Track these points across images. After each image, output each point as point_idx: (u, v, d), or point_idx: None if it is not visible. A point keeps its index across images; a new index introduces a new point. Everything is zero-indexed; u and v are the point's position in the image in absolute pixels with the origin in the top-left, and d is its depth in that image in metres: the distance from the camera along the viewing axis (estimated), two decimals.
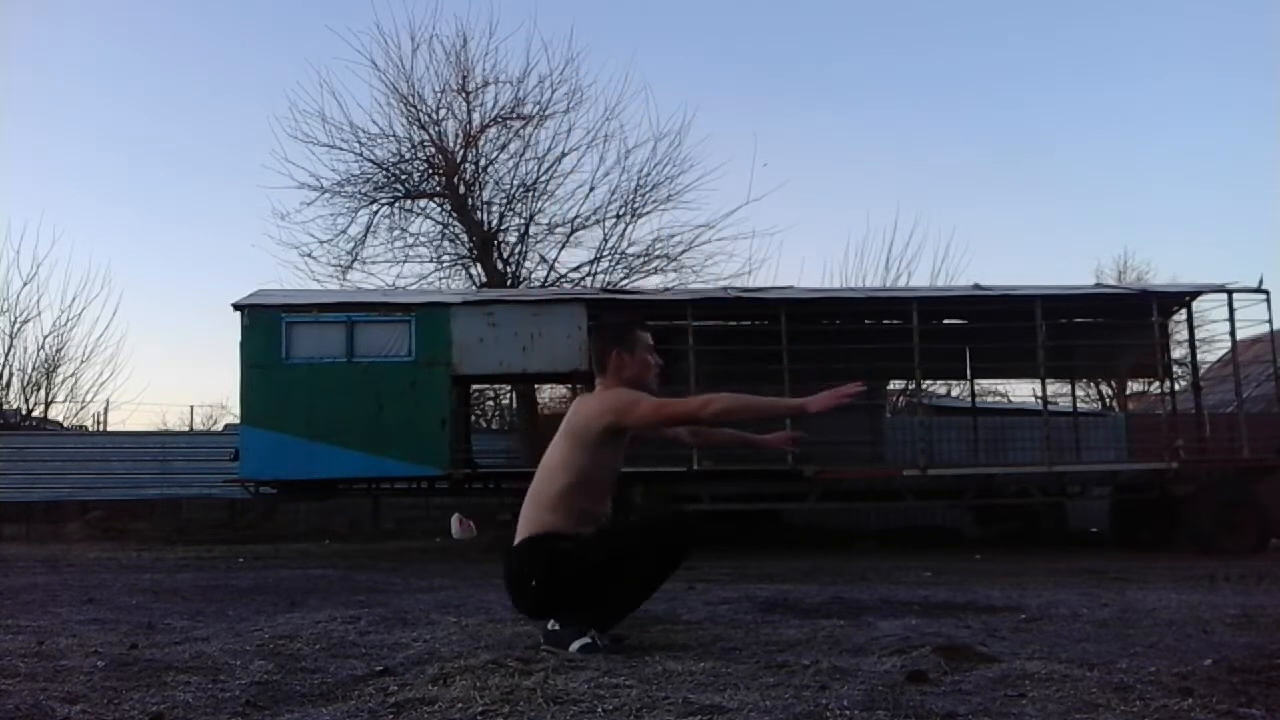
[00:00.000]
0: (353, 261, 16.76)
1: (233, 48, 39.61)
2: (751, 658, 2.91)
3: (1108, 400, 25.37)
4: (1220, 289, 11.27)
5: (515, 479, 12.51)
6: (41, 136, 40.21)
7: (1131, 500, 11.62)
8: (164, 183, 42.44)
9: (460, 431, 11.94)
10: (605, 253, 16.85)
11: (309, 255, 16.80)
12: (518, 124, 16.69)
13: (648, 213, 16.98)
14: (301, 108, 21.52)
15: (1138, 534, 11.58)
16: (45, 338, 22.53)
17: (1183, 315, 12.25)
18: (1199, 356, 13.20)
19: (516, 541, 3.19)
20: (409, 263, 17.41)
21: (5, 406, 22.19)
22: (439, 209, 17.06)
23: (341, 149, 16.58)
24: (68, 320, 22.70)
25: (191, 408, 51.81)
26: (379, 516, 16.20)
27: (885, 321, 12.80)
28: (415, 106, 16.61)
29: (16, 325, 22.02)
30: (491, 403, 20.62)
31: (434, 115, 16.63)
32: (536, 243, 17.09)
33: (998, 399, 20.42)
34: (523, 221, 16.95)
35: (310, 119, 18.04)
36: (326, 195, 16.62)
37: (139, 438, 17.86)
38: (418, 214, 17.10)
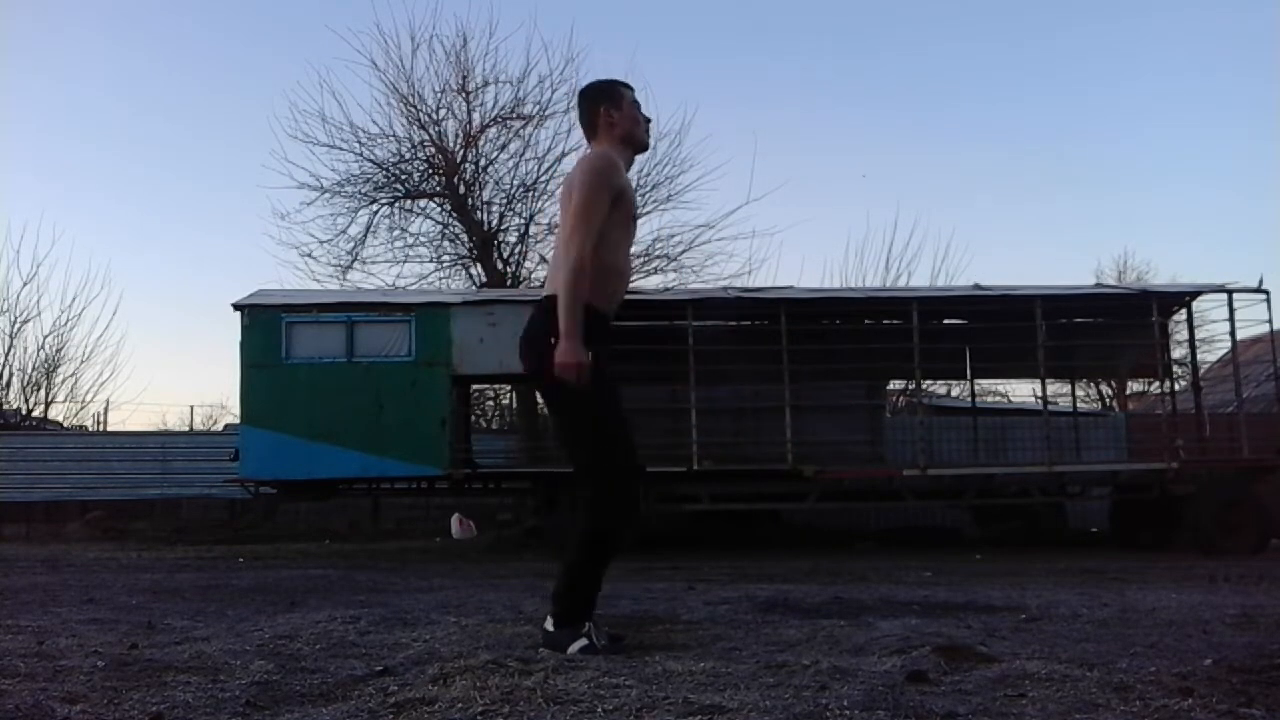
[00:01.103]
0: (353, 261, 16.78)
1: (233, 48, 39.64)
2: (751, 658, 2.91)
3: (1108, 400, 25.37)
4: (1220, 289, 11.27)
5: (515, 479, 12.53)
6: (41, 136, 40.23)
7: (1131, 500, 11.61)
8: (164, 182, 42.49)
9: (460, 431, 11.94)
10: None
11: (309, 255, 16.82)
12: (518, 124, 16.71)
13: (647, 213, 16.99)
14: (301, 108, 21.60)
15: (1138, 534, 11.57)
16: (45, 338, 22.57)
17: (1183, 315, 12.25)
18: (1199, 356, 13.22)
19: (546, 292, 3.18)
20: (409, 263, 17.44)
21: (5, 406, 22.20)
22: (439, 209, 17.07)
23: (341, 149, 16.60)
24: (68, 320, 22.74)
25: (191, 408, 51.92)
26: (379, 516, 16.21)
27: (885, 321, 12.80)
28: (415, 106, 16.62)
29: (16, 325, 22.06)
30: (491, 403, 20.63)
31: (434, 115, 16.65)
32: (536, 243, 17.11)
33: (998, 399, 20.43)
34: (523, 221, 16.97)
35: (310, 119, 18.10)
36: (326, 195, 16.64)
37: (139, 438, 17.86)
38: (418, 214, 17.12)
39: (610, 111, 3.31)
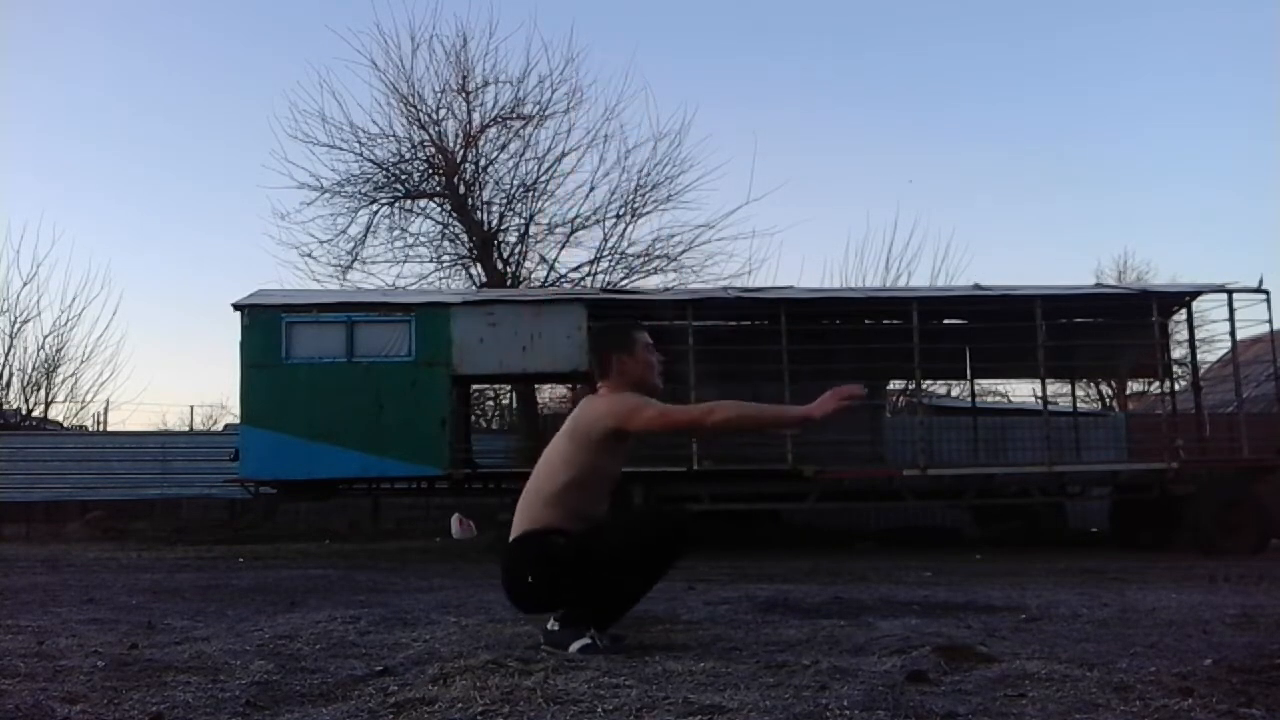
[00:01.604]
0: (353, 261, 16.78)
1: (233, 48, 39.65)
2: (751, 658, 2.91)
3: (1108, 400, 25.37)
4: (1220, 289, 11.27)
5: (515, 479, 12.51)
6: (41, 136, 40.24)
7: (1131, 500, 11.61)
8: (164, 182, 42.51)
9: (460, 431, 11.94)
10: (605, 253, 16.87)
11: (309, 255, 16.82)
12: (518, 124, 16.71)
13: (648, 213, 17.00)
14: (301, 108, 21.52)
15: (1138, 534, 11.57)
16: (45, 338, 22.55)
17: (1183, 315, 12.25)
18: (1199, 356, 13.22)
19: (512, 537, 3.19)
20: (409, 263, 17.43)
21: (5, 406, 22.19)
22: (439, 209, 17.07)
23: (341, 149, 16.60)
24: (68, 320, 22.73)
25: (191, 408, 51.89)
26: (379, 516, 16.20)
27: (885, 321, 12.80)
28: (415, 106, 16.62)
29: (16, 325, 22.05)
30: (491, 403, 20.63)
31: (434, 115, 16.65)
32: (536, 243, 17.11)
33: (998, 399, 20.42)
34: (523, 221, 16.97)
35: (310, 119, 18.06)
36: (326, 195, 16.64)
37: (139, 438, 17.86)
38: (418, 214, 17.12)
39: (623, 359, 3.29)
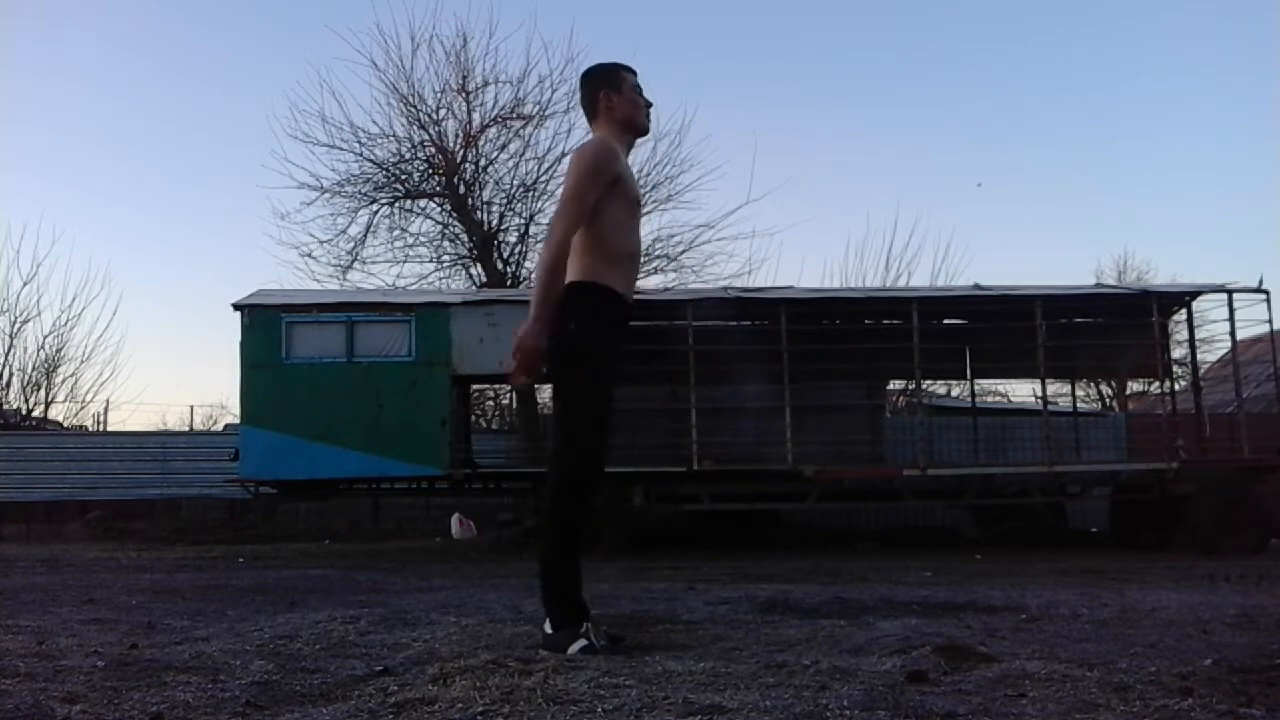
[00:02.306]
0: (353, 261, 16.80)
1: (233, 48, 39.64)
2: (751, 658, 2.91)
3: (1108, 400, 25.38)
4: (1220, 289, 11.28)
5: (515, 479, 12.53)
6: (41, 137, 40.24)
7: (1131, 500, 11.61)
8: (164, 182, 42.49)
9: (460, 431, 11.94)
10: None
11: (309, 255, 16.85)
12: (518, 124, 16.73)
13: (647, 213, 17.00)
14: (301, 108, 21.62)
15: (1138, 534, 11.57)
16: (45, 338, 22.59)
17: (1183, 315, 12.26)
18: (1199, 356, 13.22)
19: (567, 281, 3.19)
20: (409, 263, 17.47)
21: (5, 406, 22.20)
22: (439, 209, 17.09)
23: (341, 149, 16.63)
24: (68, 320, 22.76)
25: (191, 408, 51.83)
26: (379, 516, 16.21)
27: (885, 321, 12.80)
28: (415, 106, 16.64)
29: (16, 325, 22.07)
30: (491, 403, 20.65)
31: (434, 115, 16.67)
32: (536, 243, 17.09)
33: (998, 399, 20.44)
34: (523, 221, 16.99)
35: (310, 119, 18.12)
36: (326, 195, 16.67)
37: (139, 438, 17.86)
38: (418, 214, 17.14)
39: (610, 95, 3.32)
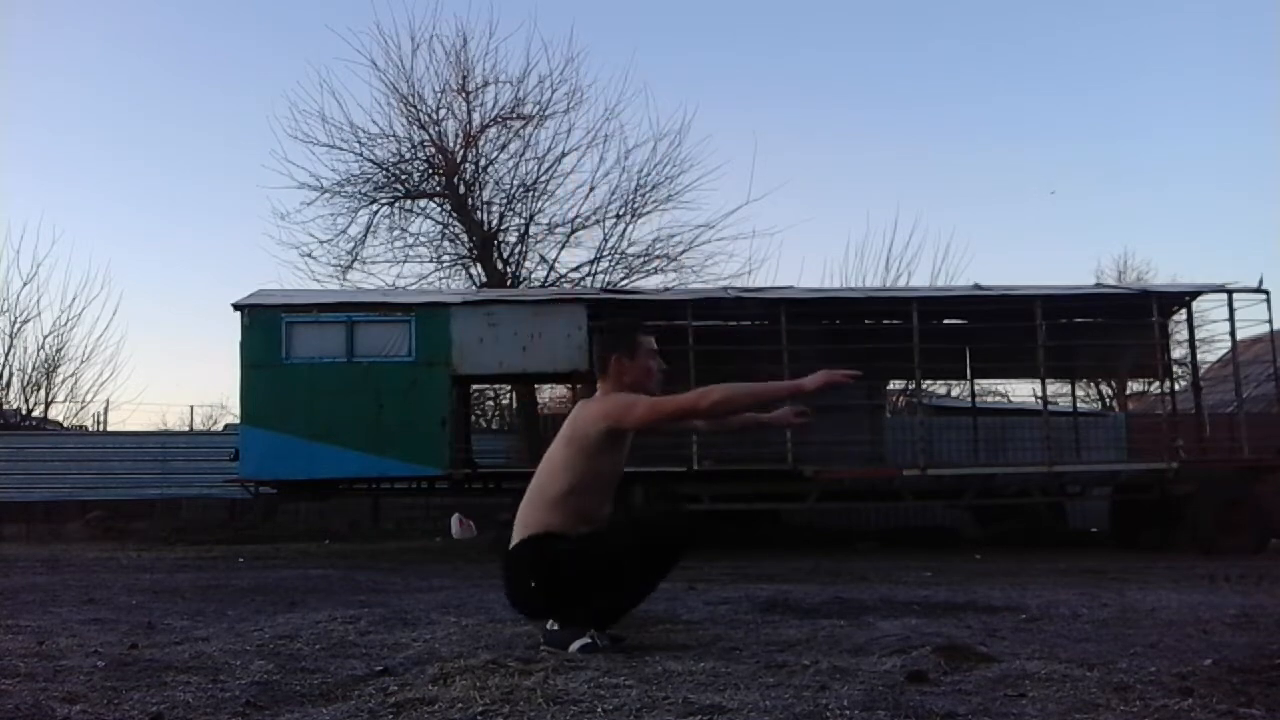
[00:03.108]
0: (353, 261, 16.78)
1: (233, 48, 39.64)
2: (751, 658, 2.91)
3: (1108, 400, 25.37)
4: (1220, 289, 11.27)
5: (515, 479, 12.51)
6: (41, 136, 40.23)
7: (1131, 500, 11.61)
8: (164, 182, 42.47)
9: (460, 431, 11.94)
10: (605, 253, 16.87)
11: (309, 255, 16.82)
12: (518, 124, 16.71)
13: (648, 213, 17.00)
14: (301, 108, 21.48)
15: (1138, 534, 11.57)
16: (45, 338, 22.54)
17: (1183, 315, 12.25)
18: (1199, 356, 13.22)
19: (514, 543, 3.19)
20: (409, 263, 17.42)
21: (5, 406, 22.19)
22: (439, 209, 17.07)
23: (341, 149, 16.60)
24: (68, 320, 22.72)
25: (191, 408, 51.80)
26: (379, 516, 16.20)
27: (885, 321, 12.80)
28: (415, 106, 16.62)
29: (16, 325, 22.04)
30: (491, 403, 20.64)
31: (434, 115, 16.65)
32: (536, 243, 17.11)
33: (998, 399, 20.43)
34: (523, 221, 16.97)
35: (310, 119, 18.06)
36: (326, 195, 16.64)
37: (139, 438, 17.85)
38: (418, 214, 17.12)
39: (623, 360, 3.30)
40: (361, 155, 16.53)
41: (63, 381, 22.92)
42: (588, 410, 3.22)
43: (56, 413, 23.31)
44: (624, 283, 16.21)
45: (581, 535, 3.12)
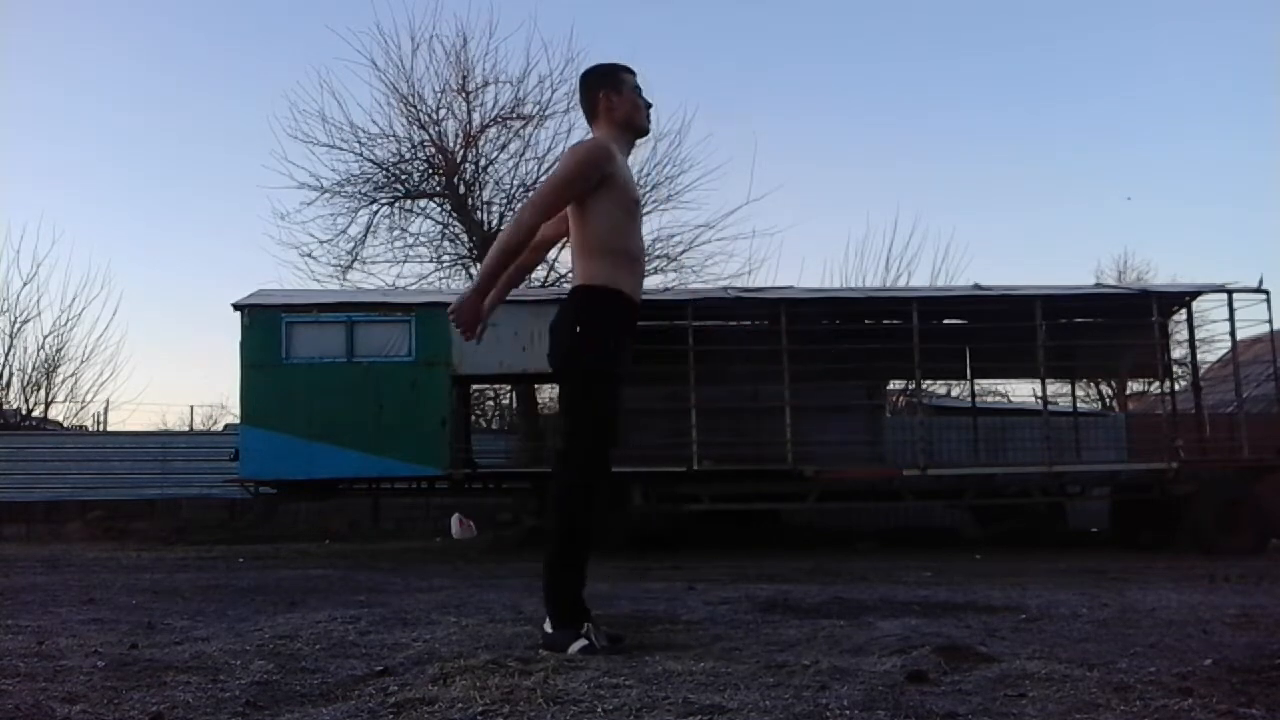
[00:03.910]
0: (353, 261, 16.80)
1: (233, 48, 39.64)
2: (751, 658, 2.91)
3: (1108, 400, 25.37)
4: (1220, 289, 11.27)
5: (515, 479, 12.53)
6: (41, 136, 40.24)
7: (1131, 500, 11.61)
8: (164, 182, 42.48)
9: (460, 431, 11.94)
10: None
11: (309, 255, 16.85)
12: (518, 124, 16.73)
13: (647, 213, 16.99)
14: (301, 108, 21.62)
15: (1138, 534, 11.57)
16: (45, 338, 22.57)
17: (1183, 315, 12.25)
18: (1199, 356, 13.21)
19: (572, 286, 3.26)
20: (409, 263, 17.46)
21: (5, 406, 22.19)
22: (439, 209, 17.08)
23: (341, 149, 16.62)
24: (68, 320, 22.75)
25: (191, 408, 51.80)
26: (379, 516, 16.21)
27: (885, 321, 12.80)
28: (415, 106, 16.64)
29: (16, 325, 22.06)
30: (491, 403, 20.65)
31: (434, 115, 16.66)
32: None
33: (998, 399, 20.43)
34: None
35: (310, 119, 18.12)
36: (326, 195, 16.66)
37: (139, 438, 17.86)
38: (418, 214, 17.14)
39: (610, 96, 3.33)
40: (361, 155, 16.56)
41: (63, 381, 22.96)
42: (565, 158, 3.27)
43: (56, 413, 23.36)
44: None
45: (619, 358, 3.22)
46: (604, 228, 3.21)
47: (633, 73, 3.41)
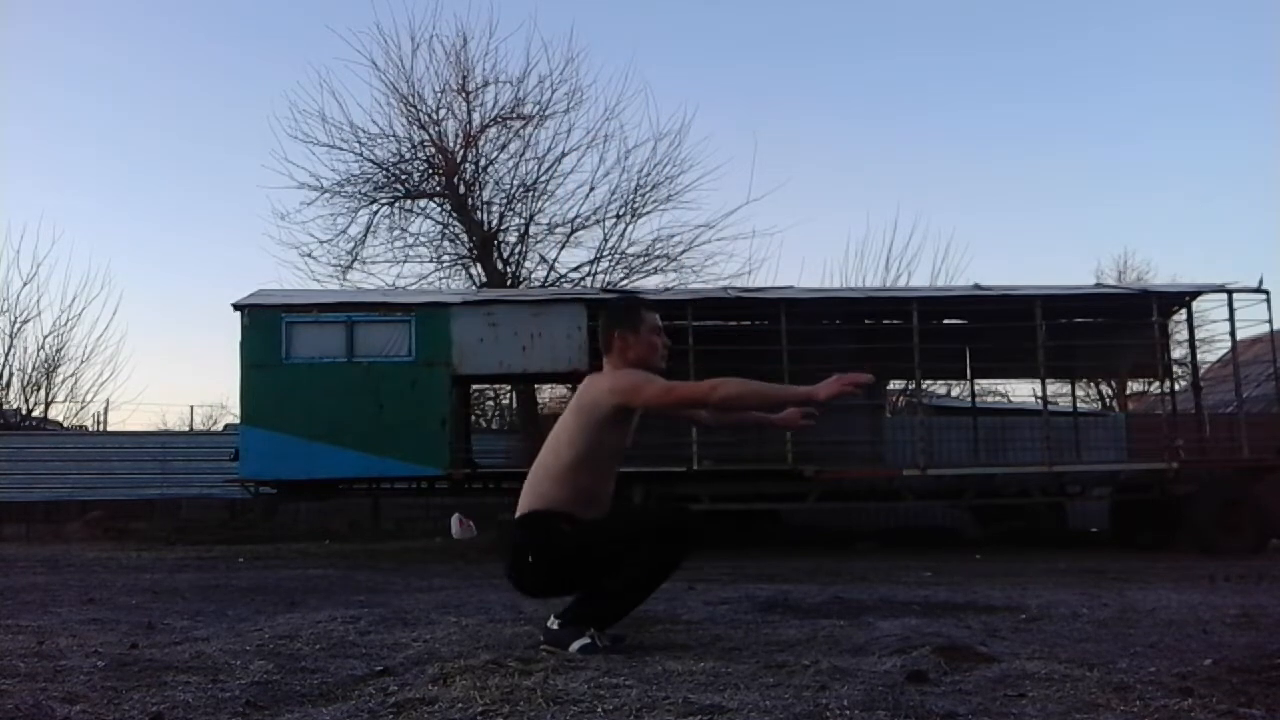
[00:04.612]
0: (353, 261, 16.80)
1: (233, 48, 39.64)
2: (751, 658, 2.91)
3: (1108, 400, 25.36)
4: (1220, 289, 11.27)
5: (515, 479, 12.50)
6: (41, 136, 40.23)
7: (1131, 500, 11.61)
8: (164, 183, 42.49)
9: (460, 431, 11.94)
10: (605, 253, 16.90)
11: (309, 255, 16.85)
12: (518, 124, 16.73)
13: (648, 213, 17.00)
14: (301, 108, 21.54)
15: (1138, 534, 11.57)
16: (45, 338, 22.54)
17: (1183, 315, 12.25)
18: (1199, 356, 13.21)
19: (518, 514, 3.18)
20: (409, 263, 17.46)
21: (5, 406, 22.19)
22: (439, 209, 17.08)
23: (341, 149, 16.63)
24: (68, 320, 22.72)
25: (191, 408, 51.86)
26: (379, 516, 16.20)
27: (885, 321, 12.80)
28: (415, 106, 16.64)
29: (16, 325, 22.04)
30: (491, 403, 20.65)
31: (434, 115, 16.66)
32: (536, 243, 17.12)
33: (998, 399, 20.42)
34: (523, 221, 16.98)
35: (310, 119, 18.11)
36: (326, 195, 16.66)
37: (139, 438, 17.85)
38: (418, 214, 17.14)
39: (627, 336, 3.25)
40: (361, 155, 16.56)
41: (63, 381, 22.94)
42: (598, 383, 3.18)
43: (56, 413, 23.34)
44: (624, 283, 16.22)
45: (584, 521, 3.10)
46: (593, 458, 3.13)
47: (654, 312, 3.34)
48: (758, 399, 3.12)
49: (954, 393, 18.98)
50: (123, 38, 39.61)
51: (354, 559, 10.08)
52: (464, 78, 16.67)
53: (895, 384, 16.06)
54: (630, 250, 16.89)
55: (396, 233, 16.90)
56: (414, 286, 16.42)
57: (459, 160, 16.60)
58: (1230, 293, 11.10)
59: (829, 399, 2.96)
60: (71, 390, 23.09)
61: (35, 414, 22.55)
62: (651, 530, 3.15)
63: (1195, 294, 11.91)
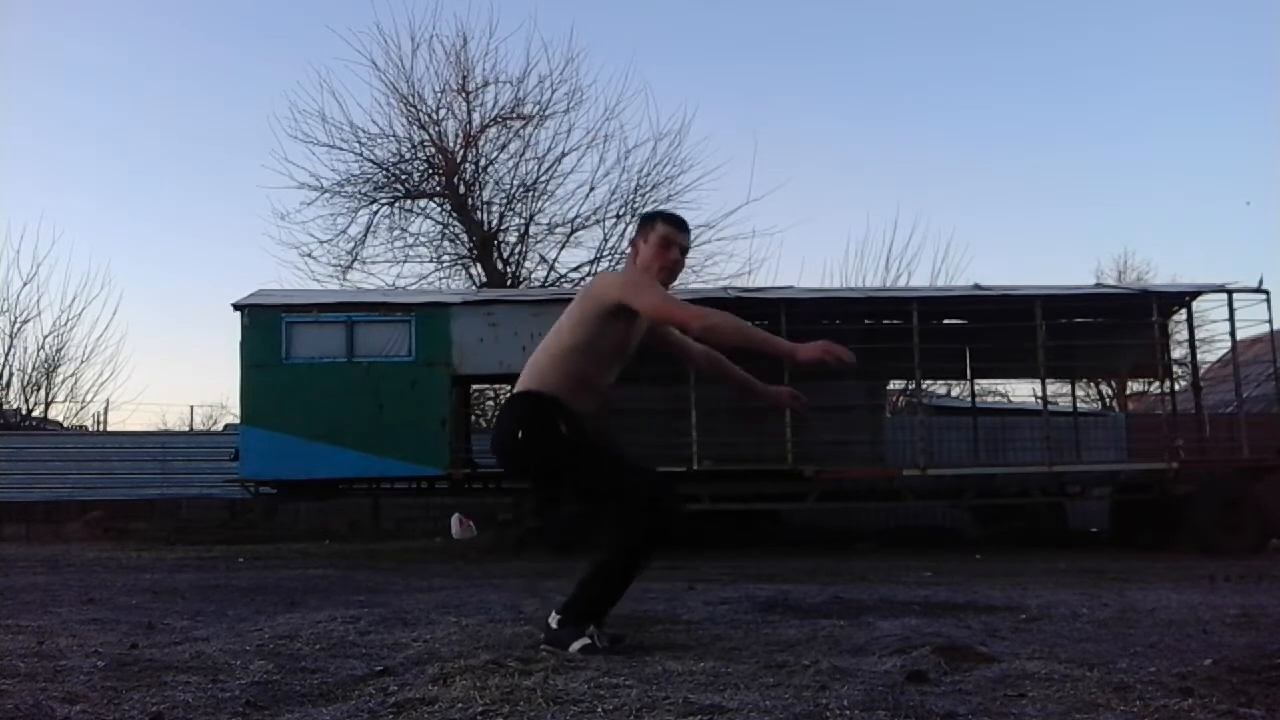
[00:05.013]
0: (353, 261, 16.83)
1: (233, 48, 39.64)
2: (751, 658, 2.91)
3: (1108, 400, 25.36)
4: (1220, 289, 11.27)
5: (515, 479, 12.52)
6: (41, 138, 40.23)
7: (1131, 500, 11.61)
8: (164, 183, 42.48)
9: (460, 431, 11.93)
10: (605, 253, 16.92)
11: (309, 255, 16.89)
12: (518, 124, 16.75)
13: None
14: (301, 108, 21.61)
15: (1138, 534, 11.57)
16: (45, 338, 22.55)
17: (1183, 315, 12.25)
18: (1199, 356, 13.21)
19: (517, 389, 3.22)
20: (409, 263, 17.50)
21: (5, 406, 22.19)
22: (439, 209, 17.10)
23: (341, 149, 16.66)
24: (68, 320, 22.73)
25: (191, 408, 51.82)
26: (379, 516, 16.20)
27: (885, 321, 12.80)
28: (415, 106, 16.66)
29: (16, 325, 22.05)
30: (491, 403, 20.63)
31: (434, 115, 16.69)
32: (536, 243, 17.14)
33: (998, 399, 20.42)
34: (523, 221, 17.00)
35: (310, 119, 18.14)
36: (326, 195, 16.69)
37: (139, 438, 17.86)
38: (418, 214, 17.16)
39: (637, 241, 3.32)
40: (361, 155, 16.59)
41: (63, 381, 22.95)
42: (603, 278, 3.26)
43: (56, 413, 23.34)
44: None
45: (583, 430, 3.13)
46: (589, 356, 3.16)
47: (673, 224, 3.31)
48: (740, 337, 3.11)
49: (954, 393, 18.98)
50: (123, 38, 39.63)
51: (354, 559, 10.08)
52: (464, 78, 16.71)
53: (895, 384, 16.06)
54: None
55: (396, 233, 16.95)
56: (414, 286, 16.44)
57: (459, 160, 16.61)
58: (1230, 293, 11.10)
59: (807, 361, 2.99)
60: (71, 390, 23.13)
61: (35, 414, 22.56)
62: (642, 498, 3.11)
63: (1195, 294, 11.91)
